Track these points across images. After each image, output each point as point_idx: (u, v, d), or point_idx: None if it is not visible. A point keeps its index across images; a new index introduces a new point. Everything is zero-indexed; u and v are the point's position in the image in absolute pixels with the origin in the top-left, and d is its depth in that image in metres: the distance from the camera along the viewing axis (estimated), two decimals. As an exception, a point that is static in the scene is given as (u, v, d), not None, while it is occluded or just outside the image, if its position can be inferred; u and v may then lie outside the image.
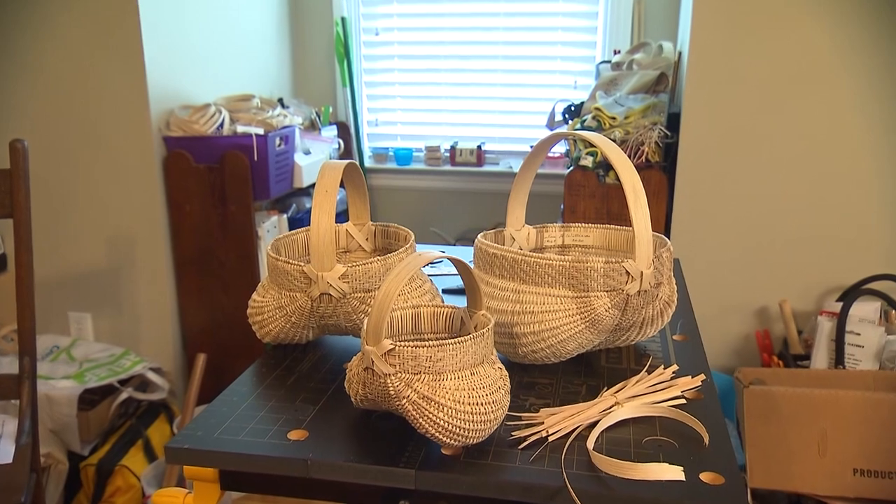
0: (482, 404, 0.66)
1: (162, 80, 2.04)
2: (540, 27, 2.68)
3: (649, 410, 0.75)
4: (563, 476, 0.64)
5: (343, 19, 2.74)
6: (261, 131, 2.08)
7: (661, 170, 1.95)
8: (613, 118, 1.95)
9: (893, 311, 1.84)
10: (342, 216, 1.29)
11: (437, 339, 0.80)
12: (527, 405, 0.78)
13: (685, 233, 2.02)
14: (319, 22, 2.81)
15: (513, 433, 0.71)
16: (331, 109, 2.80)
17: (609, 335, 0.86)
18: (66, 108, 2.05)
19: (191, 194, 2.08)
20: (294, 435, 0.71)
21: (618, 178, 1.79)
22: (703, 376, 0.83)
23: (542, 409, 0.75)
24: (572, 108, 2.23)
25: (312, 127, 2.56)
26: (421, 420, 0.66)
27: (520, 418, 0.74)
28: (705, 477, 0.63)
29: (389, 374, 0.66)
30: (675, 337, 0.96)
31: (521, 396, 0.80)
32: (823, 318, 1.85)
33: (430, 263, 1.07)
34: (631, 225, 0.80)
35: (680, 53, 2.24)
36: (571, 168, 2.01)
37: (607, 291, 0.79)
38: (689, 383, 0.81)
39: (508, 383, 0.71)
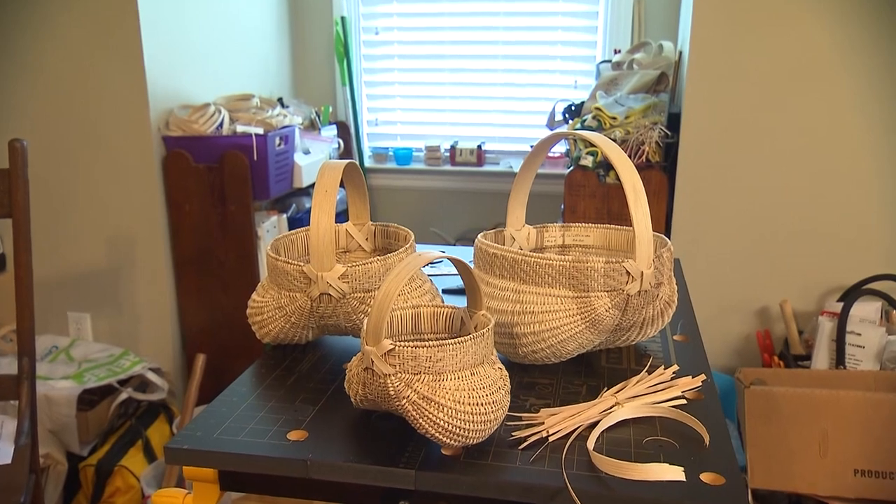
0: (482, 404, 0.66)
1: (161, 79, 2.04)
2: (540, 27, 2.67)
3: (650, 411, 0.75)
4: (564, 476, 0.64)
5: (343, 18, 2.74)
6: (260, 131, 2.08)
7: (662, 170, 1.95)
8: (614, 118, 1.94)
9: (894, 312, 1.84)
10: (342, 216, 1.28)
11: (437, 339, 0.79)
12: (527, 405, 0.77)
13: (685, 233, 2.02)
14: (319, 21, 2.81)
15: (513, 433, 0.71)
16: (330, 109, 2.80)
17: (609, 335, 0.86)
18: (66, 107, 2.05)
19: (190, 194, 2.08)
20: (294, 435, 0.71)
21: (618, 178, 1.78)
22: (703, 376, 0.82)
23: (542, 410, 0.75)
24: (572, 108, 2.23)
25: (312, 127, 2.56)
26: (421, 420, 0.66)
27: (520, 418, 0.74)
28: (706, 477, 0.63)
29: (389, 375, 0.66)
30: (675, 337, 0.96)
31: (521, 397, 0.79)
32: (824, 318, 1.84)
33: (430, 263, 1.07)
34: (631, 225, 0.79)
35: (680, 53, 2.24)
36: (572, 168, 2.01)
37: (608, 291, 0.79)
38: (690, 383, 0.81)
39: (508, 383, 0.71)
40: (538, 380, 0.84)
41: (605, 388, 0.81)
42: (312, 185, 2.31)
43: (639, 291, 0.80)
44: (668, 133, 1.95)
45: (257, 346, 2.17)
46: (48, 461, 1.83)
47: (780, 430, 1.61)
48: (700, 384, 0.81)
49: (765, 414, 1.62)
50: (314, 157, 2.39)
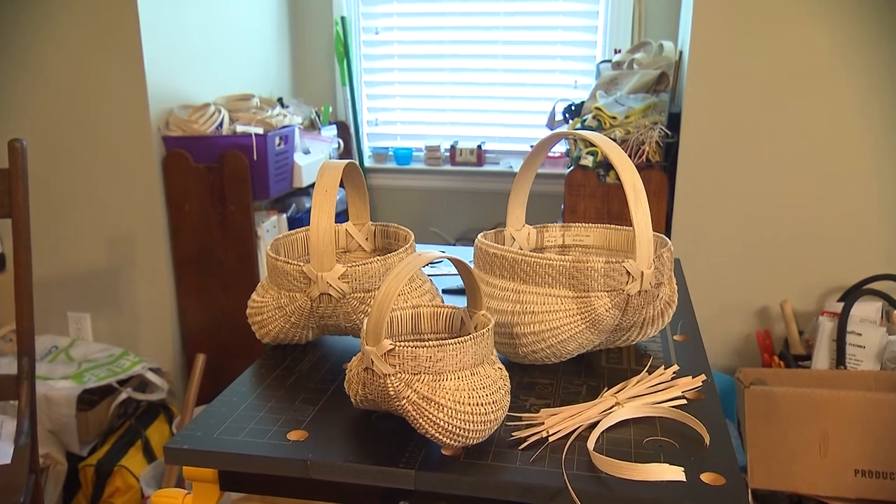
0: (482, 405, 0.66)
1: (161, 79, 2.04)
2: (540, 26, 2.67)
3: (650, 411, 0.75)
4: (564, 476, 0.63)
5: (343, 18, 2.74)
6: (260, 131, 2.08)
7: (662, 169, 1.95)
8: (614, 118, 1.94)
9: (894, 312, 1.84)
10: (342, 216, 1.28)
11: (437, 339, 0.79)
12: (527, 405, 0.77)
13: (686, 233, 2.02)
14: (319, 21, 2.81)
15: (513, 434, 0.71)
16: (330, 109, 2.80)
17: (609, 335, 0.86)
18: (66, 107, 2.05)
19: (190, 194, 2.08)
20: (293, 435, 0.71)
21: (618, 178, 1.78)
22: (703, 376, 0.82)
23: (542, 410, 0.75)
24: (573, 108, 2.23)
25: (312, 126, 2.56)
26: (421, 420, 0.66)
27: (520, 419, 0.74)
28: (706, 477, 0.63)
29: (389, 375, 0.66)
30: (675, 337, 0.96)
31: (521, 397, 0.79)
32: (824, 318, 1.84)
33: (430, 263, 1.07)
34: (631, 225, 0.79)
35: (680, 53, 2.24)
36: (572, 168, 2.00)
37: (608, 291, 0.79)
38: (690, 383, 0.81)
39: (508, 383, 0.71)
40: (538, 380, 0.84)
41: (606, 389, 0.80)
42: (312, 185, 2.30)
43: (639, 291, 0.80)
44: (669, 133, 1.95)
45: (257, 346, 2.17)
46: (48, 461, 1.83)
47: (781, 430, 1.60)
48: (700, 384, 0.81)
49: (765, 414, 1.62)
50: (314, 157, 2.39)
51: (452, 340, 0.66)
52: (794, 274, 1.98)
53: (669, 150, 2.00)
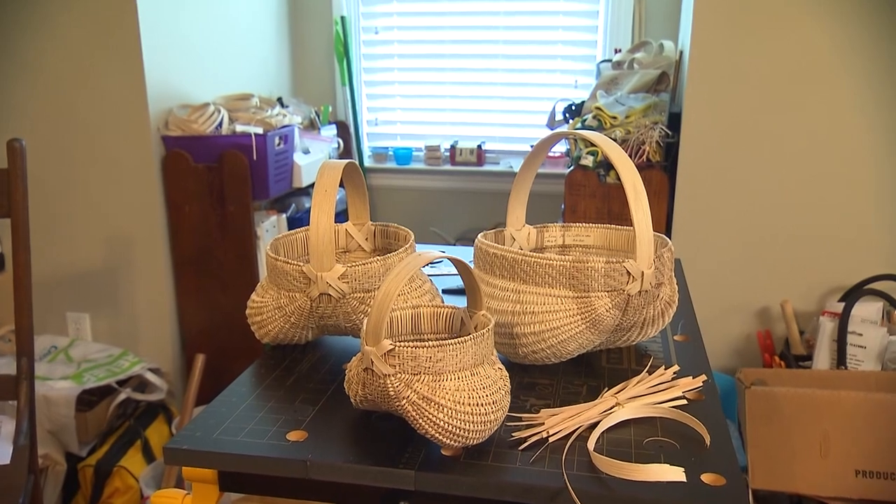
0: (482, 405, 0.66)
1: (160, 79, 2.04)
2: (540, 26, 2.67)
3: (650, 411, 0.74)
4: (564, 477, 0.63)
5: (342, 18, 2.74)
6: (260, 131, 2.08)
7: (662, 169, 1.95)
8: (614, 117, 1.94)
9: (895, 312, 1.84)
10: (342, 216, 1.28)
11: (437, 339, 0.79)
12: (527, 406, 0.77)
13: (686, 233, 2.01)
14: (319, 21, 2.81)
15: (513, 434, 0.71)
16: (330, 109, 2.79)
17: (610, 335, 0.85)
18: (65, 107, 2.04)
19: (190, 194, 2.08)
20: (293, 436, 0.71)
21: (618, 178, 1.78)
22: (704, 377, 0.82)
23: (542, 410, 0.75)
24: (573, 108, 2.23)
25: (312, 126, 2.56)
26: (421, 421, 0.65)
27: (520, 419, 0.74)
28: (706, 478, 0.63)
29: (389, 375, 0.66)
30: (676, 337, 0.96)
31: (521, 397, 0.79)
32: (825, 318, 1.84)
33: (430, 263, 1.07)
34: (632, 225, 0.79)
35: (681, 52, 2.24)
36: (572, 168, 2.00)
37: (608, 291, 0.79)
38: (691, 384, 0.80)
39: (509, 384, 0.71)
40: (538, 380, 0.83)
41: (606, 389, 0.80)
42: (312, 185, 2.31)
43: (639, 291, 0.79)
44: (669, 133, 1.94)
45: (257, 347, 2.16)
46: (47, 462, 1.83)
47: (781, 430, 1.60)
48: (701, 384, 0.81)
49: (766, 414, 1.62)
50: (314, 157, 2.39)
51: (452, 341, 0.66)
52: (795, 274, 1.98)
53: (670, 150, 2.00)
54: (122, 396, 1.97)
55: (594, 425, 0.72)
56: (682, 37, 2.26)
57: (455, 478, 0.64)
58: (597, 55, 2.64)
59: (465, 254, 1.26)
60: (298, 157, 2.31)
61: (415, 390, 0.65)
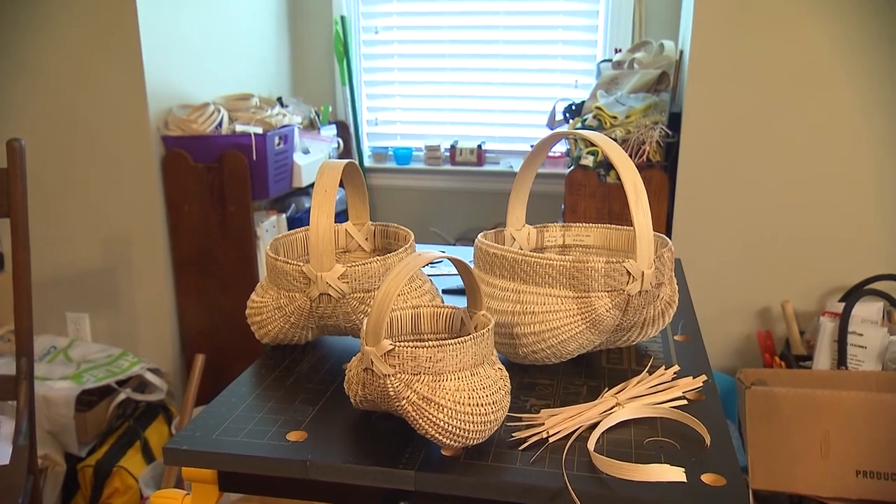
0: (482, 405, 0.66)
1: (160, 79, 2.04)
2: (541, 26, 2.67)
3: (650, 411, 0.74)
4: (564, 477, 0.63)
5: (342, 18, 2.73)
6: (260, 130, 2.08)
7: (663, 169, 1.95)
8: (614, 117, 1.94)
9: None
10: (341, 216, 1.28)
11: (437, 339, 0.79)
12: (527, 406, 0.77)
13: (686, 233, 2.01)
14: (319, 20, 2.81)
15: (513, 434, 0.71)
16: (330, 108, 2.79)
17: (610, 336, 0.85)
18: (65, 107, 2.04)
19: (189, 194, 2.08)
20: (293, 436, 0.71)
21: (619, 178, 1.78)
22: (704, 377, 0.82)
23: (542, 410, 0.75)
24: (573, 108, 2.23)
25: (311, 126, 2.56)
26: (421, 421, 0.65)
27: (520, 419, 0.74)
28: (707, 478, 0.63)
29: (389, 375, 0.66)
30: (676, 337, 0.96)
31: (521, 397, 0.79)
32: (826, 318, 1.84)
33: (430, 263, 1.07)
34: (632, 225, 0.79)
35: (681, 52, 2.24)
36: (572, 167, 2.00)
37: (608, 291, 0.79)
38: (691, 384, 0.80)
39: (509, 384, 0.71)
40: (538, 380, 0.83)
41: (606, 389, 0.80)
42: (312, 185, 2.30)
43: (639, 291, 0.79)
44: (669, 132, 1.94)
45: (256, 347, 2.16)
46: (46, 462, 1.82)
47: (782, 430, 1.60)
48: (701, 385, 0.81)
49: (766, 414, 1.62)
50: (314, 157, 2.39)
51: (452, 341, 0.66)
52: (795, 274, 1.98)
53: (670, 150, 2.00)
54: (121, 397, 1.97)
55: (594, 425, 0.72)
56: (683, 36, 2.26)
57: (455, 478, 0.64)
58: (597, 55, 2.64)
59: (465, 254, 1.26)
60: (298, 157, 2.31)
61: (415, 390, 0.65)
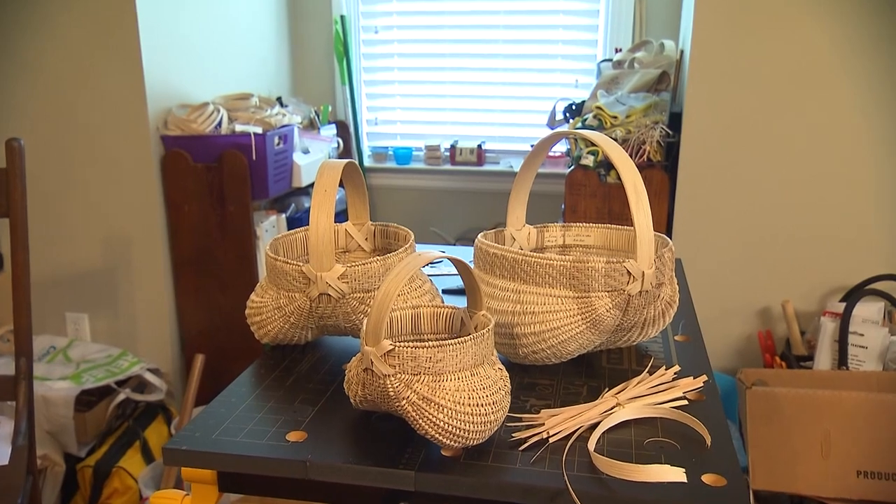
0: (482, 405, 0.65)
1: (160, 78, 2.03)
2: (541, 25, 2.67)
3: (651, 412, 0.74)
4: (564, 478, 0.63)
5: (342, 17, 2.73)
6: (259, 130, 2.08)
7: (663, 169, 1.95)
8: (615, 117, 1.94)
9: None
10: (341, 216, 1.28)
11: (437, 339, 0.79)
12: (527, 406, 0.77)
13: (687, 233, 2.01)
14: (318, 20, 2.81)
15: (513, 434, 0.71)
16: (330, 108, 2.79)
17: (610, 336, 0.85)
18: (64, 107, 2.04)
19: (189, 194, 2.07)
20: (293, 436, 0.71)
21: (619, 178, 1.77)
22: (704, 377, 0.82)
23: (542, 411, 0.75)
24: (573, 107, 2.22)
25: (311, 126, 2.55)
26: (421, 421, 0.65)
27: (520, 419, 0.74)
28: (707, 478, 0.63)
29: (389, 375, 0.66)
30: (676, 337, 0.95)
31: (521, 397, 0.79)
32: (826, 318, 1.84)
33: (430, 263, 1.07)
34: (632, 225, 0.79)
35: (682, 52, 2.24)
36: (572, 167, 2.00)
37: (608, 292, 0.79)
38: (691, 384, 0.80)
39: (509, 384, 0.71)
40: (538, 380, 0.83)
41: (606, 389, 0.80)
42: (312, 185, 2.30)
43: (640, 292, 0.79)
44: (670, 132, 1.94)
45: (256, 347, 2.16)
46: (46, 462, 1.82)
47: (782, 431, 1.60)
48: (701, 385, 0.80)
49: (766, 415, 1.61)
50: (313, 157, 2.39)
51: (452, 341, 0.65)
52: (796, 274, 1.98)
53: (670, 150, 1.99)
54: (121, 397, 1.97)
55: (595, 426, 0.71)
56: (683, 36, 2.26)
57: (455, 478, 0.64)
58: (597, 54, 2.64)
59: (465, 254, 1.25)
60: (298, 157, 2.31)
61: (415, 391, 0.65)
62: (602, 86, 2.15)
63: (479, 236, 0.90)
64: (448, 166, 2.81)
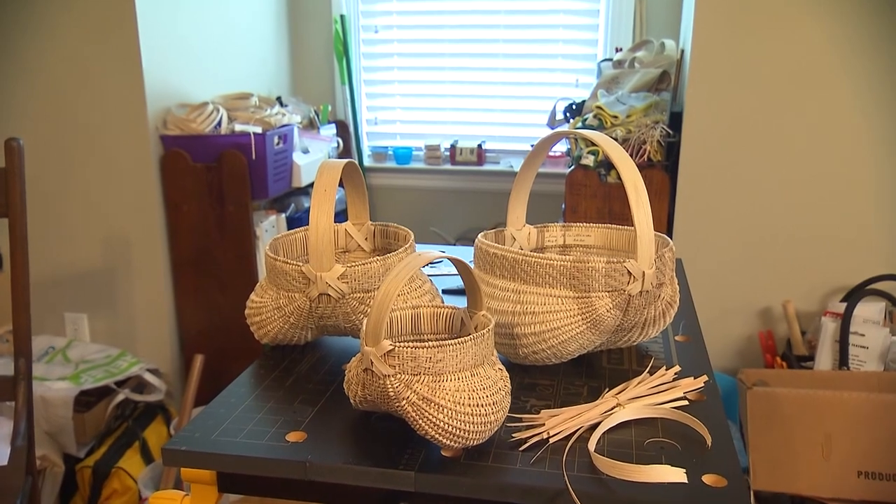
0: (482, 406, 0.65)
1: (159, 78, 2.03)
2: (541, 25, 2.67)
3: (651, 412, 0.74)
4: (565, 478, 0.63)
5: (342, 17, 2.73)
6: (259, 130, 2.07)
7: (663, 169, 1.94)
8: (615, 116, 1.94)
9: (896, 312, 1.84)
10: (341, 216, 1.27)
11: (437, 339, 0.79)
12: (527, 406, 0.77)
13: (687, 232, 2.01)
14: (318, 19, 2.81)
15: (513, 435, 0.70)
16: (330, 108, 2.79)
17: (611, 336, 0.85)
18: (63, 107, 2.04)
19: (188, 194, 2.07)
20: (292, 437, 0.71)
21: (619, 178, 1.77)
22: (705, 377, 0.82)
23: (542, 411, 0.74)
24: (573, 107, 2.22)
25: (311, 125, 2.55)
26: (421, 422, 0.65)
27: (520, 420, 0.73)
28: (708, 479, 0.63)
29: (389, 376, 0.65)
30: (677, 338, 0.95)
31: (521, 398, 0.79)
32: (827, 318, 1.84)
33: (430, 263, 1.06)
34: (633, 224, 0.79)
35: (682, 51, 2.24)
36: (573, 167, 2.00)
37: (609, 292, 0.78)
38: (692, 384, 0.80)
39: (509, 384, 0.70)
40: (539, 381, 0.83)
41: (607, 389, 0.80)
42: (311, 185, 2.30)
43: (640, 292, 0.79)
44: (670, 132, 1.94)
45: (256, 347, 2.16)
46: (45, 463, 1.82)
47: (783, 431, 1.60)
48: (702, 385, 0.80)
49: (767, 415, 1.61)
50: (313, 157, 2.39)
51: (452, 341, 0.65)
52: (797, 274, 1.98)
53: (671, 150, 1.99)
54: (120, 397, 1.97)
55: (595, 426, 0.71)
56: (684, 36, 2.26)
57: (455, 479, 0.64)
58: (598, 54, 2.63)
59: (465, 254, 1.25)
60: (298, 157, 2.30)
61: (414, 391, 0.65)
62: (602, 85, 2.15)
63: (479, 236, 0.90)
64: (448, 166, 2.81)
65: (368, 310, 0.83)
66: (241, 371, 0.90)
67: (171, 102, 2.08)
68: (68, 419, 1.84)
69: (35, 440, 1.43)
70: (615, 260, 0.78)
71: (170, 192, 2.08)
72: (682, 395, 0.78)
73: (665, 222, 2.00)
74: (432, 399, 0.64)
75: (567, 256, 0.79)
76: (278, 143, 2.16)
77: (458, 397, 0.65)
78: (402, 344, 0.65)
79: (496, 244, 0.85)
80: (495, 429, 0.67)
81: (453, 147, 2.78)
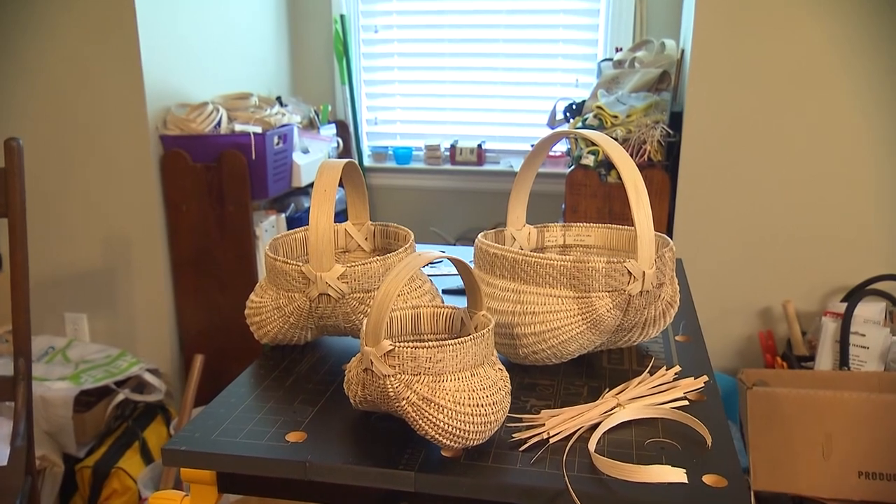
0: (482, 406, 0.65)
1: (159, 78, 2.03)
2: (541, 24, 2.67)
3: (651, 412, 0.74)
4: (565, 478, 0.63)
5: (342, 17, 2.73)
6: (259, 130, 2.07)
7: (664, 169, 1.94)
8: (615, 116, 1.94)
9: (896, 312, 1.84)
10: (341, 216, 1.27)
11: (437, 339, 0.78)
12: (528, 407, 0.77)
13: (688, 232, 2.01)
14: (318, 19, 2.80)
15: (513, 435, 0.70)
16: (329, 108, 2.79)
17: (611, 336, 0.85)
18: (63, 107, 2.04)
19: (188, 194, 2.07)
20: (292, 437, 0.70)
21: (619, 177, 1.78)
22: (705, 378, 0.82)
23: (543, 411, 0.74)
24: (573, 107, 2.22)
25: (311, 125, 2.55)
26: (420, 422, 0.65)
27: (520, 420, 0.73)
28: (708, 479, 0.63)
29: (389, 376, 0.65)
30: (677, 338, 0.95)
31: (521, 398, 0.78)
32: (828, 318, 1.84)
33: (430, 263, 1.06)
34: (633, 224, 0.79)
35: (682, 51, 2.23)
36: (573, 167, 2.00)
37: (609, 292, 0.78)
38: (692, 385, 0.80)
39: (509, 384, 0.70)
40: (539, 381, 0.83)
41: (607, 390, 0.80)
42: (311, 185, 2.30)
43: (640, 292, 0.79)
44: (670, 132, 1.94)
45: (256, 347, 2.16)
46: (44, 463, 1.82)
47: (783, 431, 1.60)
48: (702, 385, 0.80)
49: (767, 415, 1.61)
50: (313, 157, 2.38)
51: (452, 341, 0.65)
52: (797, 274, 1.98)
53: (671, 150, 1.99)
54: (120, 397, 1.97)
55: (595, 426, 0.71)
56: (684, 36, 2.26)
57: (455, 479, 0.64)
58: (598, 54, 2.63)
59: (465, 254, 1.25)
60: (298, 157, 2.30)
61: (414, 391, 0.65)
62: (602, 85, 2.15)
63: (479, 236, 0.90)
64: (448, 166, 2.81)
65: (368, 310, 0.83)
66: (241, 371, 0.90)
67: (170, 102, 2.08)
68: (68, 419, 1.84)
69: (35, 440, 1.43)
70: (615, 260, 0.78)
71: (170, 192, 2.08)
72: (682, 395, 0.78)
73: (665, 222, 1.99)
74: (432, 399, 0.64)
75: (567, 256, 0.79)
76: (278, 143, 2.16)
77: (458, 397, 0.65)
78: (402, 344, 0.65)
79: (496, 244, 0.85)
80: (495, 429, 0.67)
81: (453, 147, 2.78)
